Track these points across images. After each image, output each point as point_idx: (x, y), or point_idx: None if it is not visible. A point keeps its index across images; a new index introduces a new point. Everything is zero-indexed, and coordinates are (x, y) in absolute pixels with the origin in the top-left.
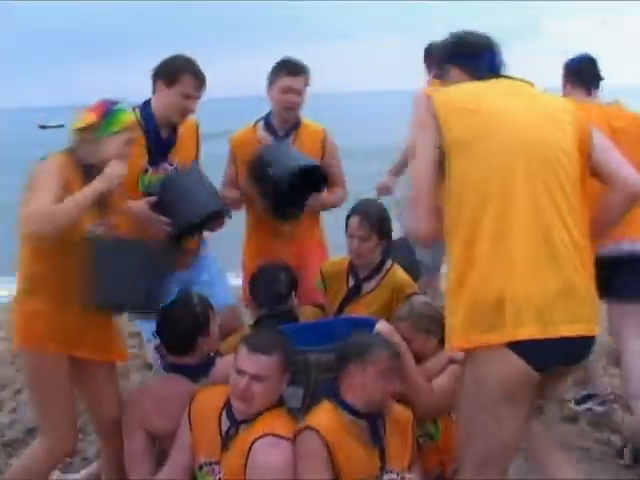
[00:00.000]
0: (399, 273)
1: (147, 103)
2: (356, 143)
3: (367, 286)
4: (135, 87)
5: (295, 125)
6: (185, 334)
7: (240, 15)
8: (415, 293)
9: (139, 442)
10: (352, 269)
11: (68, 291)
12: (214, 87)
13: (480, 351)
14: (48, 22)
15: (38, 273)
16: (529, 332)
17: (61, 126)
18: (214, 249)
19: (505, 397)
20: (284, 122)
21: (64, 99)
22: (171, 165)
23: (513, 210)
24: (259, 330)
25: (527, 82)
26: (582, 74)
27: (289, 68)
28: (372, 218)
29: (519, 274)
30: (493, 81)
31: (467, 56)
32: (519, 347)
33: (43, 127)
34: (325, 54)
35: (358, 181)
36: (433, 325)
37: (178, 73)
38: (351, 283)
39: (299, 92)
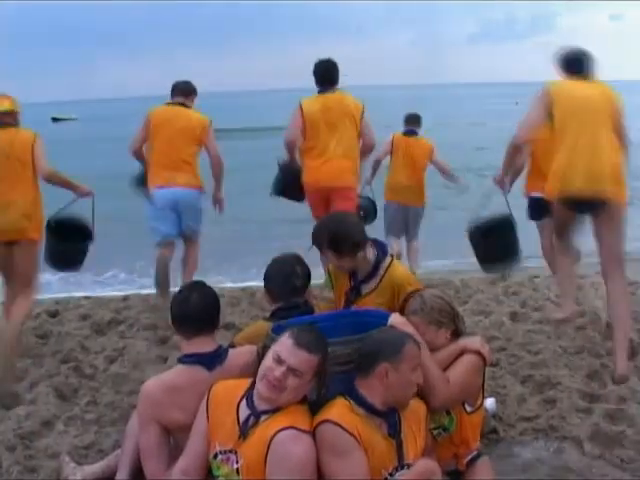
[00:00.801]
0: (398, 271)
1: None
2: None
3: (367, 287)
4: (147, 81)
5: None
6: (209, 311)
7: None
8: (416, 290)
9: (154, 435)
10: (351, 272)
11: None
12: None
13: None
14: (64, 17)
15: None
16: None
17: (73, 119)
18: None
19: None
20: None
21: (78, 94)
22: None
23: (582, 132)
24: (307, 327)
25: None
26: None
27: None
28: (331, 244)
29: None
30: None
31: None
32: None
33: (55, 120)
34: None
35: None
36: (444, 317)
37: None
38: (350, 284)
39: None
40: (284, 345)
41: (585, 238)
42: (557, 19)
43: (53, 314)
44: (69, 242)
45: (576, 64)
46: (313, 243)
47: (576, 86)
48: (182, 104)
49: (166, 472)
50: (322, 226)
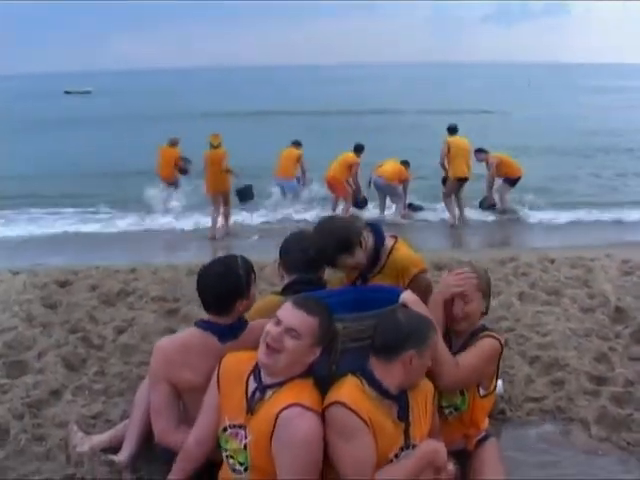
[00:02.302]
0: (402, 252)
1: None
2: None
3: (371, 274)
4: (161, 55)
5: None
6: (226, 295)
7: None
8: (421, 271)
9: (165, 394)
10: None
11: None
12: None
13: None
14: None
15: None
16: None
17: (88, 92)
18: None
19: None
20: None
21: (92, 65)
22: None
23: None
24: (309, 294)
25: None
26: None
27: None
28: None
29: None
30: None
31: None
32: None
33: (68, 92)
34: None
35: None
36: (488, 290)
37: None
38: (355, 274)
39: None
40: (284, 308)
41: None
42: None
43: (62, 284)
44: None
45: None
46: (324, 262)
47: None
48: None
49: (175, 431)
50: (323, 235)
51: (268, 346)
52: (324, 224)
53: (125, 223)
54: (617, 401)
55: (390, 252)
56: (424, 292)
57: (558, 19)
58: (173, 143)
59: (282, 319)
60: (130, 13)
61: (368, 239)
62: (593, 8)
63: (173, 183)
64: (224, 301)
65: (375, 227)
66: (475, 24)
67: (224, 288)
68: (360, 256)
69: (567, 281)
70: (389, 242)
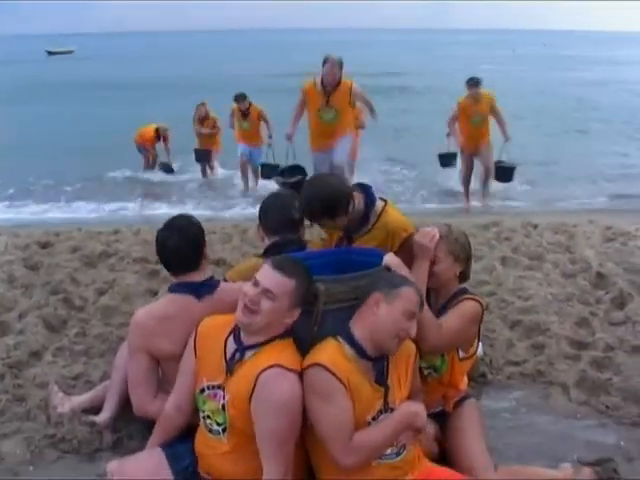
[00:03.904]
0: (392, 215)
1: None
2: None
3: (358, 234)
4: (144, 19)
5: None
6: (195, 246)
7: None
8: (411, 235)
9: (143, 364)
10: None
11: None
12: None
13: None
14: None
15: None
16: None
17: (70, 52)
18: None
19: None
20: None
21: (73, 27)
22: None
23: None
24: (287, 256)
25: None
26: None
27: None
28: (324, 211)
29: None
30: None
31: None
32: None
33: (50, 53)
34: None
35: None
36: (462, 254)
37: None
38: (341, 233)
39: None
40: (262, 270)
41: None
42: None
43: (43, 245)
44: None
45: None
46: (306, 218)
47: None
48: None
49: (153, 401)
50: (310, 198)
51: (245, 306)
52: (314, 183)
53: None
54: (597, 365)
55: (380, 214)
56: (413, 255)
57: None
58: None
59: (259, 280)
60: None
61: (359, 200)
62: None
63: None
64: (194, 253)
65: (366, 188)
66: None
67: (191, 239)
68: (343, 220)
69: (549, 246)
70: (379, 204)
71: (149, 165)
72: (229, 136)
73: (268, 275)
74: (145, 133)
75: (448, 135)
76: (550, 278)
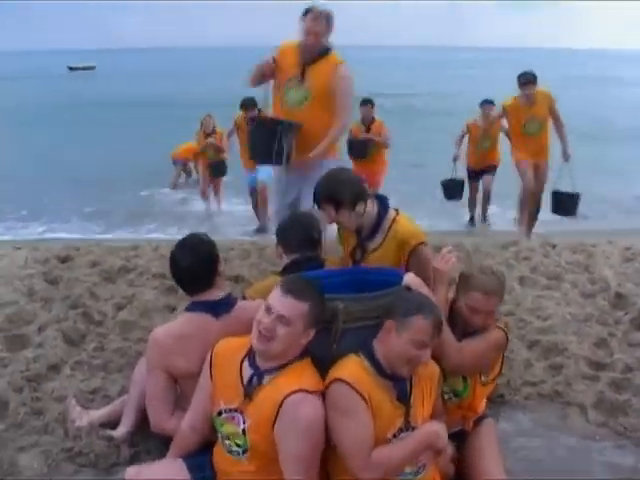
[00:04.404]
0: (403, 224)
1: None
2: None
3: (372, 244)
4: (164, 32)
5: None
6: (208, 263)
7: None
8: (421, 243)
9: (161, 381)
10: (358, 227)
11: None
12: None
13: None
14: None
15: None
16: None
17: (91, 68)
18: None
19: None
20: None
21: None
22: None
23: None
24: (296, 276)
25: None
26: None
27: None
28: (329, 195)
29: None
30: None
31: None
32: None
33: (72, 69)
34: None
35: None
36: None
37: None
38: (356, 242)
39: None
40: (272, 294)
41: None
42: None
43: (63, 259)
44: None
45: None
46: (314, 200)
47: None
48: None
49: (170, 418)
50: (320, 181)
51: (261, 334)
52: (330, 172)
53: None
54: (615, 387)
55: (392, 223)
56: (423, 264)
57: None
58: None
59: (272, 306)
60: None
61: (372, 206)
62: None
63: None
64: (207, 271)
65: (380, 197)
66: (489, 9)
67: (204, 257)
68: (346, 216)
69: (568, 266)
70: (391, 213)
71: (177, 182)
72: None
73: (280, 300)
74: (188, 148)
75: (455, 159)
76: (569, 298)
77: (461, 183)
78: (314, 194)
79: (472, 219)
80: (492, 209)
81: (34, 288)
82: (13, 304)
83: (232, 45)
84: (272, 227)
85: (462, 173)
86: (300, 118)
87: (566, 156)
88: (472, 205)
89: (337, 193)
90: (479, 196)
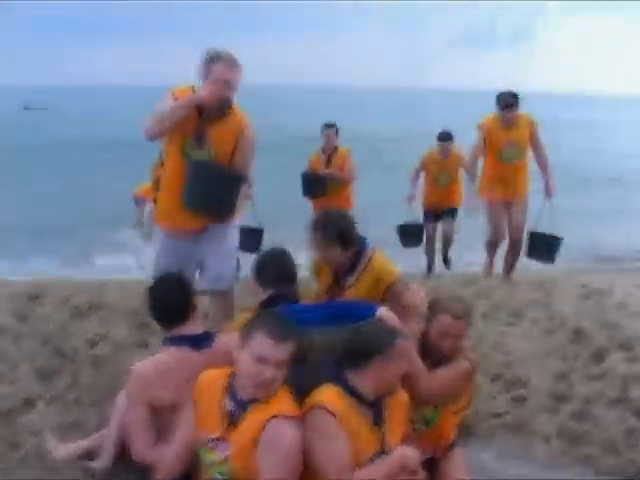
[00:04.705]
0: (378, 263)
1: None
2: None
3: (349, 280)
4: (120, 71)
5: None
6: (186, 296)
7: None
8: (396, 281)
9: (142, 414)
10: (333, 265)
11: None
12: None
13: None
14: (39, 7)
15: None
16: None
17: (45, 108)
18: None
19: None
20: None
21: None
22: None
23: None
24: (273, 317)
25: None
26: None
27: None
28: (329, 230)
29: None
30: None
31: None
32: None
33: (27, 108)
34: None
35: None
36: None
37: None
38: (332, 279)
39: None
40: (263, 345)
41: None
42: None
43: (32, 297)
44: None
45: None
46: (323, 237)
47: None
48: None
49: (153, 450)
50: (334, 221)
51: (262, 384)
52: (332, 213)
53: None
54: (576, 417)
55: (368, 261)
56: (398, 301)
57: (524, 44)
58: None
59: (269, 358)
60: (84, 28)
61: None
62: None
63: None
64: (186, 302)
65: (359, 236)
66: (442, 48)
67: (183, 290)
68: (344, 255)
69: (528, 303)
70: (368, 252)
71: (141, 221)
72: None
73: (275, 349)
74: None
75: (410, 200)
76: (529, 334)
77: (419, 227)
78: (325, 235)
79: (430, 268)
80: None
81: (3, 324)
82: None
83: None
84: None
85: (420, 215)
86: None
87: (548, 191)
88: (430, 252)
89: (346, 235)
90: (438, 240)
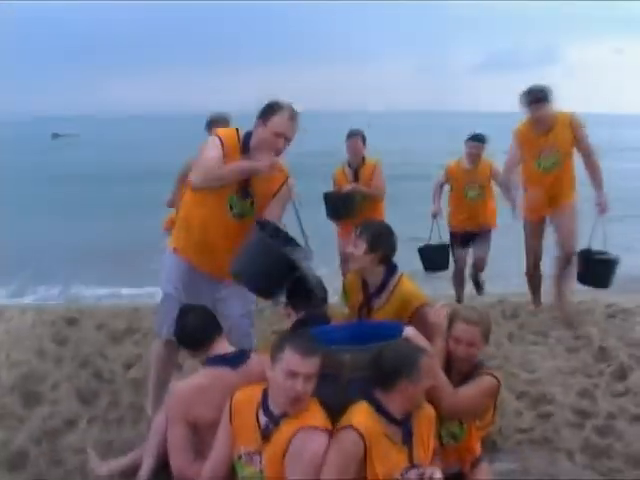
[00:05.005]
0: (406, 286)
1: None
2: None
3: (377, 302)
4: (152, 99)
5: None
6: (209, 317)
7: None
8: (423, 304)
9: (182, 431)
10: (364, 284)
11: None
12: None
13: None
14: (65, 31)
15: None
16: None
17: (76, 135)
18: None
19: None
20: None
21: (79, 109)
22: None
23: None
24: (299, 335)
25: None
26: None
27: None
28: (366, 230)
29: None
30: None
31: None
32: None
33: (56, 135)
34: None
35: None
36: (489, 333)
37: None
38: (362, 299)
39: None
40: (292, 360)
41: None
42: (561, 51)
43: (70, 321)
44: None
45: None
46: (376, 247)
47: None
48: None
49: (192, 465)
50: (388, 233)
51: (296, 399)
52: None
53: None
54: (599, 432)
55: (397, 284)
56: (424, 325)
57: (549, 67)
58: None
59: (299, 372)
60: (120, 57)
61: (381, 267)
62: (584, 57)
63: None
64: (212, 322)
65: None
66: (465, 73)
67: (210, 312)
68: (360, 253)
69: (553, 323)
70: (397, 275)
71: None
72: None
73: (303, 363)
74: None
75: (434, 216)
76: (554, 352)
77: (444, 247)
78: (381, 242)
79: (459, 301)
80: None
81: (44, 348)
82: (25, 363)
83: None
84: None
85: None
86: (241, 230)
87: (601, 206)
88: (458, 283)
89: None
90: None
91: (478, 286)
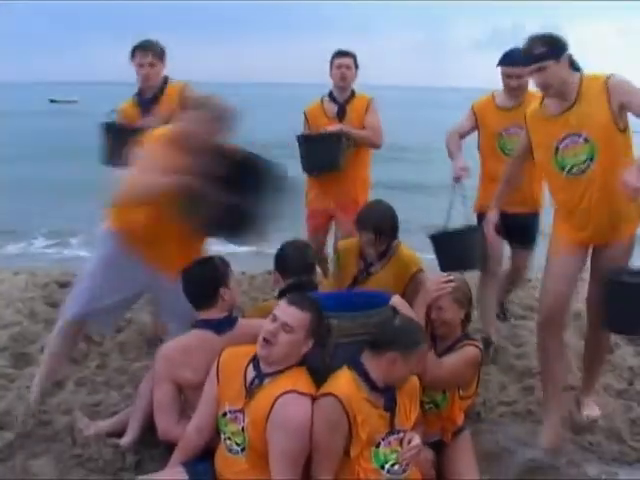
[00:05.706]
0: (404, 252)
1: None
2: None
3: (374, 268)
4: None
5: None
6: (209, 283)
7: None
8: (420, 270)
9: (168, 392)
10: (362, 253)
11: None
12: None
13: None
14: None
15: None
16: None
17: (74, 102)
18: None
19: None
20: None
21: (78, 76)
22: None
23: None
24: (301, 292)
25: None
26: None
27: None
28: (375, 225)
29: None
30: None
31: None
32: None
33: (53, 101)
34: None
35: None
36: (465, 299)
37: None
38: (361, 265)
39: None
40: (279, 306)
41: None
42: (562, 31)
43: (62, 285)
44: None
45: None
46: (374, 230)
47: None
48: None
49: (176, 426)
50: (387, 213)
51: (265, 339)
52: (383, 205)
53: None
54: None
55: (396, 248)
56: (419, 289)
57: None
58: None
59: (278, 315)
60: (113, 21)
61: None
62: (586, 37)
63: None
64: (209, 289)
65: None
66: (466, 49)
67: (206, 276)
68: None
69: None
70: (396, 241)
71: None
72: None
73: (285, 310)
74: None
75: (456, 180)
76: None
77: (471, 232)
78: (384, 227)
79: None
80: None
81: (35, 310)
82: (16, 324)
83: (237, 82)
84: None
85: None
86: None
87: None
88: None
89: (397, 226)
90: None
91: (502, 311)
